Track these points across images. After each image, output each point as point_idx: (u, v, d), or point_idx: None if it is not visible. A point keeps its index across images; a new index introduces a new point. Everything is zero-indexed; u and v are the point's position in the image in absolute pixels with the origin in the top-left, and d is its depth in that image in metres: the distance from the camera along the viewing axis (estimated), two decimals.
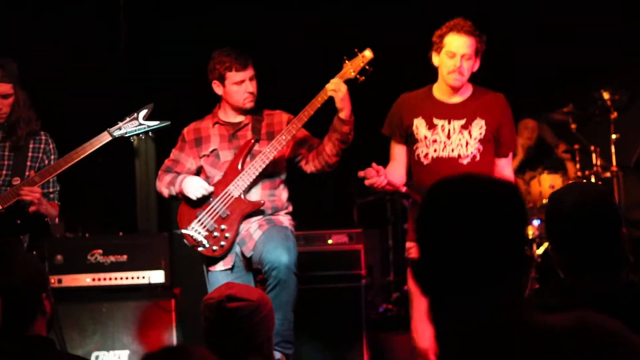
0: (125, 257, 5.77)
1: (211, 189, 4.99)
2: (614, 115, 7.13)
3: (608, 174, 7.20)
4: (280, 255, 4.72)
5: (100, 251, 5.76)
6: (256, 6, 7.64)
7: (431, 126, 4.74)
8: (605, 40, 7.67)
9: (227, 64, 5.03)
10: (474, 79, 4.78)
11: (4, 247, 3.42)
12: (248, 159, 5.02)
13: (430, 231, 1.88)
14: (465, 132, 4.71)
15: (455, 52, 4.62)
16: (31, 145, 4.64)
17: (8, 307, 2.69)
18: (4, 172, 4.56)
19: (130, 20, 7.86)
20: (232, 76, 5.03)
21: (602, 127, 7.28)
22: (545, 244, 7.13)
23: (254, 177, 4.95)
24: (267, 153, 4.93)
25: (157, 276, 5.72)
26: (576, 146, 7.51)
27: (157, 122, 4.56)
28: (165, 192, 5.12)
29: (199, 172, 5.14)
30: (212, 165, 5.09)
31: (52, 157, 4.66)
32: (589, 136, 7.47)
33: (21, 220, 4.49)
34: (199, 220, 4.98)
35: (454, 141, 4.71)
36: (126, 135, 4.53)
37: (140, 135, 4.60)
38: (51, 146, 4.72)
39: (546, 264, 6.86)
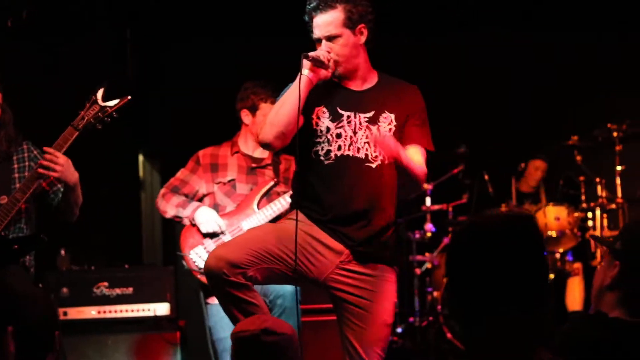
0: (130, 289, 5.75)
1: (224, 228, 4.97)
2: (619, 147, 7.14)
3: (613, 206, 7.20)
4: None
5: (106, 284, 5.75)
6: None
7: (335, 117, 3.92)
8: (610, 72, 7.71)
9: (263, 95, 5.08)
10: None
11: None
12: (265, 198, 5.02)
13: (461, 266, 2.18)
14: (374, 128, 3.88)
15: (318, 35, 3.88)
16: (15, 158, 4.45)
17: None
18: None
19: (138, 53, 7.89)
20: (266, 108, 5.04)
21: (607, 160, 7.29)
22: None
23: (270, 219, 4.95)
24: (287, 198, 4.93)
25: (162, 309, 5.69)
26: (581, 178, 7.53)
27: (117, 100, 4.26)
28: (171, 212, 5.08)
29: (202, 198, 5.12)
30: (227, 194, 5.08)
31: (40, 162, 4.36)
32: (594, 168, 7.48)
33: (17, 243, 4.30)
34: (205, 248, 4.98)
35: (360, 139, 3.88)
36: (91, 124, 4.23)
37: (106, 119, 4.27)
38: (35, 152, 4.50)
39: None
